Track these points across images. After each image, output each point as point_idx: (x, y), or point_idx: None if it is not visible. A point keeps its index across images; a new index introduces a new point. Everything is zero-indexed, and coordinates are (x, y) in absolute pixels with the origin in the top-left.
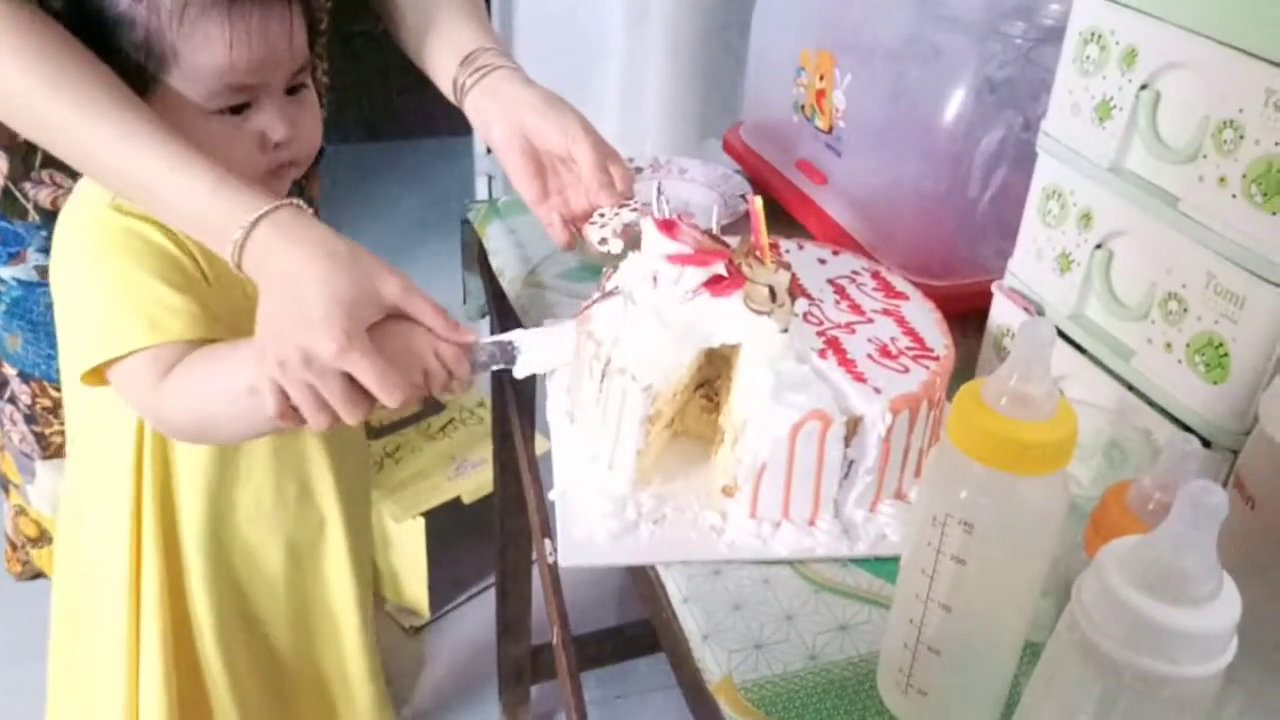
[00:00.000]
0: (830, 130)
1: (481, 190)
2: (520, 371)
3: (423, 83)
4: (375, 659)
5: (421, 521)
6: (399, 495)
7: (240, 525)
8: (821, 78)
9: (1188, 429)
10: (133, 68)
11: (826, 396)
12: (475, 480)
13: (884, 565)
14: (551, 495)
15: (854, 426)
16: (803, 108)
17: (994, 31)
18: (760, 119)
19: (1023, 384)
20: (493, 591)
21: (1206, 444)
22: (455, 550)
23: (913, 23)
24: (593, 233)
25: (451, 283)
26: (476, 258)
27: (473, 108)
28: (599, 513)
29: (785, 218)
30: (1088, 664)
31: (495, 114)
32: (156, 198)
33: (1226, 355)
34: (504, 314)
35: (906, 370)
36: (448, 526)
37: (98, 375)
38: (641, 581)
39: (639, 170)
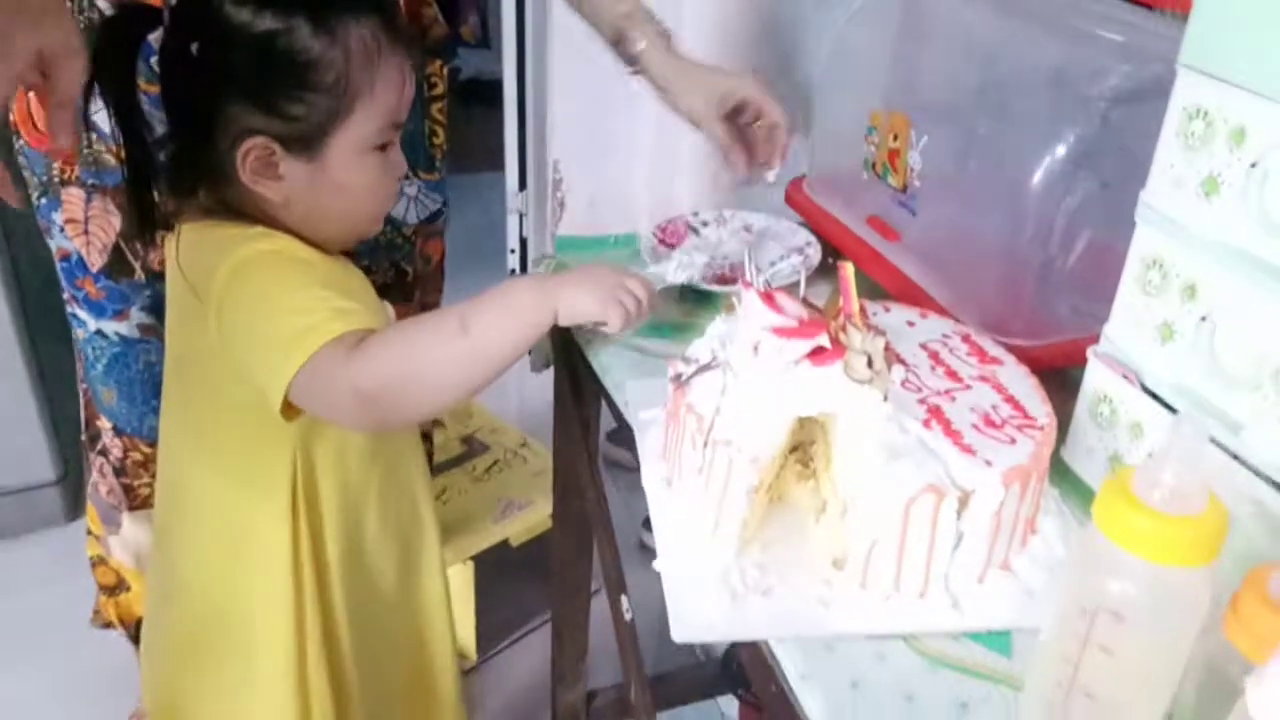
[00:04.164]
0: (905, 189)
1: (513, 228)
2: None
3: (450, 119)
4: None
5: (470, 566)
6: (447, 539)
7: (369, 551)
8: (895, 137)
9: None
10: (319, 109)
11: (937, 469)
12: (523, 522)
13: (996, 639)
14: (656, 566)
15: (965, 500)
16: (874, 165)
17: (1071, 93)
18: (826, 174)
19: (1176, 478)
20: (538, 633)
21: None
22: (503, 593)
23: (988, 85)
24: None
25: None
26: None
27: (658, 85)
28: (706, 585)
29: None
30: None
31: (690, 88)
32: None
33: None
34: (572, 366)
35: (1013, 441)
36: (495, 569)
37: (291, 409)
38: (752, 656)
39: (704, 223)
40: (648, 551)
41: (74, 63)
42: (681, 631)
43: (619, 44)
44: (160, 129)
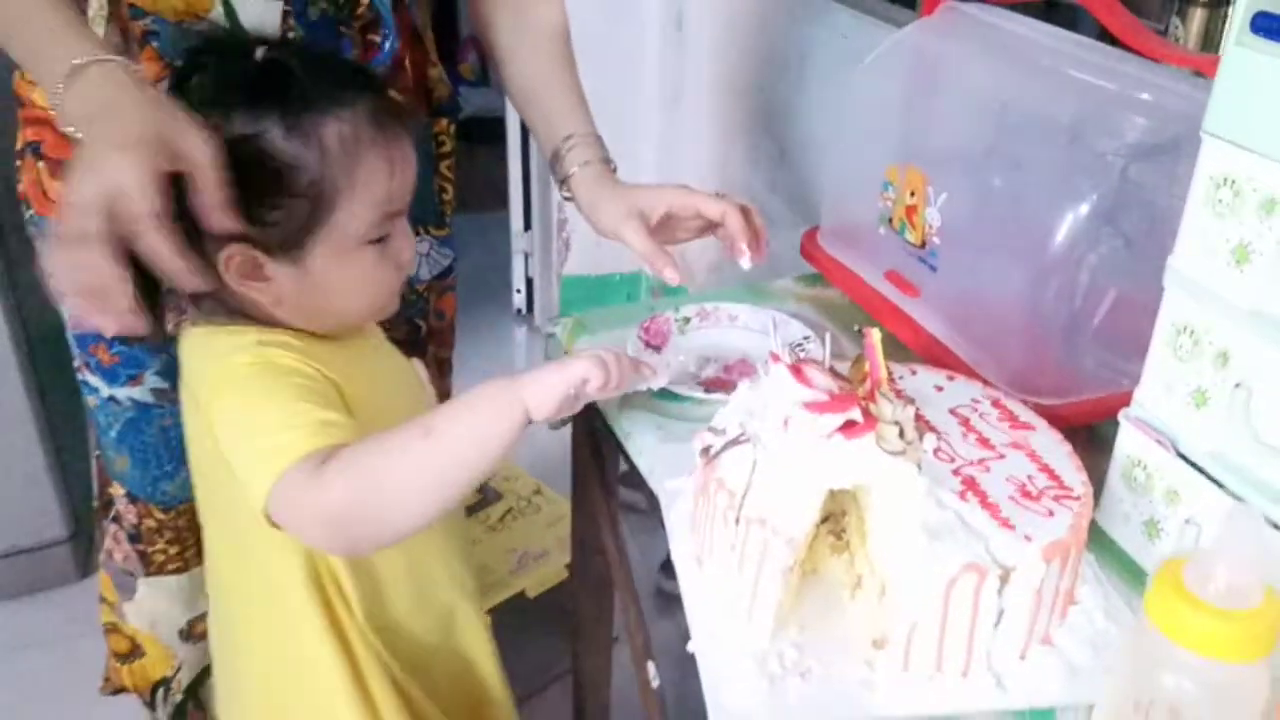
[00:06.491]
0: (923, 245)
1: (518, 269)
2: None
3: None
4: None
5: (487, 620)
6: None
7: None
8: (912, 194)
9: None
10: (296, 214)
11: (977, 547)
12: (539, 574)
13: (1041, 717)
14: (690, 648)
15: (1005, 576)
16: (890, 221)
17: (1089, 149)
18: (840, 227)
19: (1230, 572)
20: (558, 685)
21: None
22: (520, 646)
23: (1003, 141)
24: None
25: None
26: None
27: (582, 210)
28: (743, 669)
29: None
30: None
31: (607, 207)
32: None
33: None
34: (592, 428)
35: (1051, 514)
36: (513, 622)
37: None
38: None
39: (686, 320)
40: (665, 597)
41: (211, 171)
42: (721, 719)
43: (555, 165)
44: None
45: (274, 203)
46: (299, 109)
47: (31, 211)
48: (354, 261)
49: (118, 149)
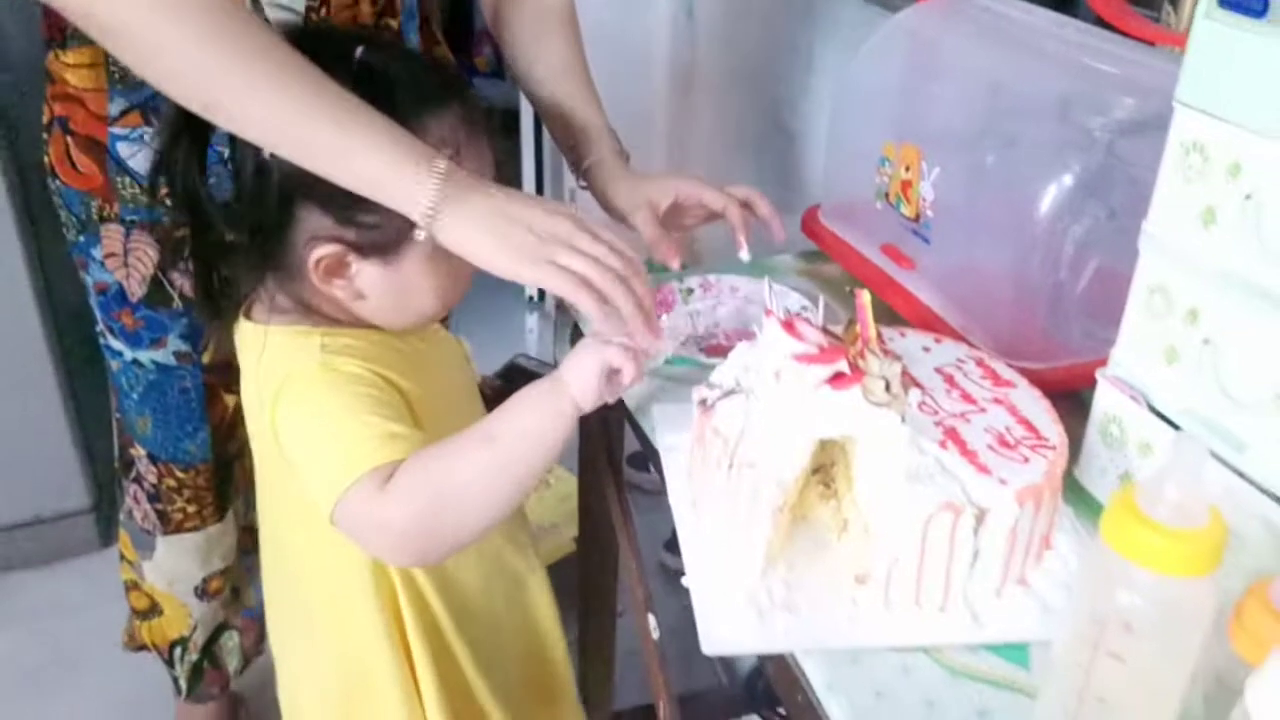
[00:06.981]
0: (917, 218)
1: None
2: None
3: None
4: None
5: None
6: None
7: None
8: (907, 169)
9: None
10: (396, 217)
11: (954, 488)
12: (547, 545)
13: (1015, 651)
14: (685, 582)
15: (981, 517)
16: (886, 195)
17: (1076, 126)
18: (840, 203)
19: (1178, 493)
20: None
21: None
22: None
23: (996, 118)
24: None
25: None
26: (572, 341)
27: (596, 198)
28: (734, 602)
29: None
30: None
31: (617, 195)
32: (333, 165)
33: None
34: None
35: (1027, 460)
36: None
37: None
38: (779, 668)
39: (689, 291)
40: (669, 573)
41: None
42: (711, 645)
43: (570, 157)
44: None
45: (374, 206)
46: (399, 117)
47: (58, 182)
48: (440, 264)
49: (551, 215)
